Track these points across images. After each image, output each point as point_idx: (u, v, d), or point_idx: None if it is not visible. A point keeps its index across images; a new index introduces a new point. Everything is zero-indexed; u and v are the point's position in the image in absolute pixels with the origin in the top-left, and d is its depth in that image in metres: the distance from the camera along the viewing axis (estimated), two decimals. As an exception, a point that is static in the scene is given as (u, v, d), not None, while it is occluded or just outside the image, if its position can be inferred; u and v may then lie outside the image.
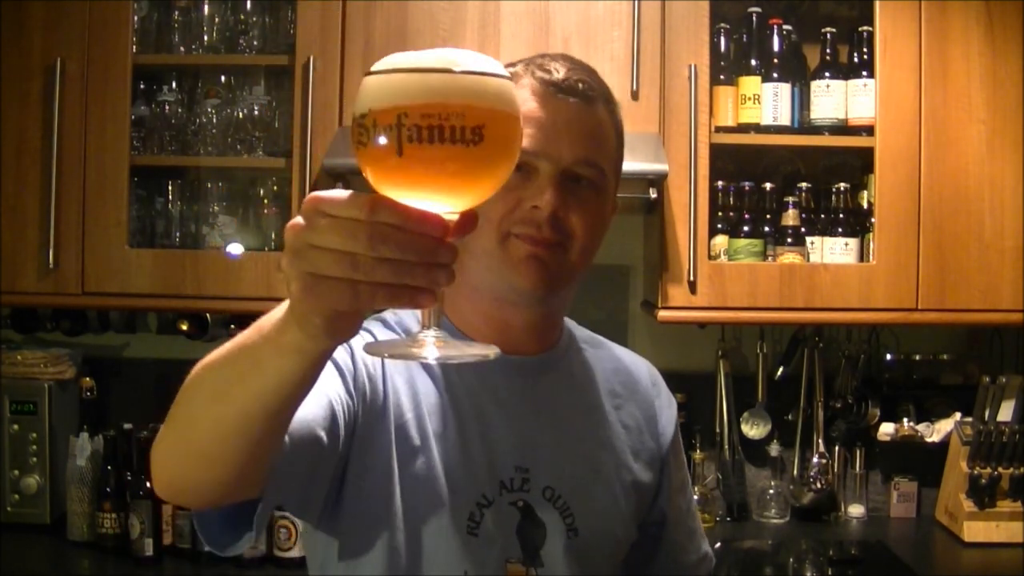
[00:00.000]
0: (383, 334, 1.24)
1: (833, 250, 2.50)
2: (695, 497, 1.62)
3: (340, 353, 1.17)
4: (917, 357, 2.82)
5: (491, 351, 0.82)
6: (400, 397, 1.21)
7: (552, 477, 1.25)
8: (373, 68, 0.75)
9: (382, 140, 0.72)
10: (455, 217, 0.75)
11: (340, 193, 0.73)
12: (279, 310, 0.83)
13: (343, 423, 1.13)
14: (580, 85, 1.20)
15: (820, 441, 2.78)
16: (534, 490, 1.24)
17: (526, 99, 1.19)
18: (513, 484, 1.23)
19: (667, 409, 1.40)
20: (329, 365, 1.12)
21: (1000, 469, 2.60)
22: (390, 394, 1.21)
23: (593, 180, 1.21)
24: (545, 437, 1.27)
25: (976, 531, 2.58)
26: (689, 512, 1.45)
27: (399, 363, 1.21)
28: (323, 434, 1.09)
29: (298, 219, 0.75)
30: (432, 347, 0.78)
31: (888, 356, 2.80)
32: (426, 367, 1.23)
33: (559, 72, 1.20)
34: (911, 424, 2.73)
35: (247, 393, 0.87)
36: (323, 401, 1.10)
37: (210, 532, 1.06)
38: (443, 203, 0.74)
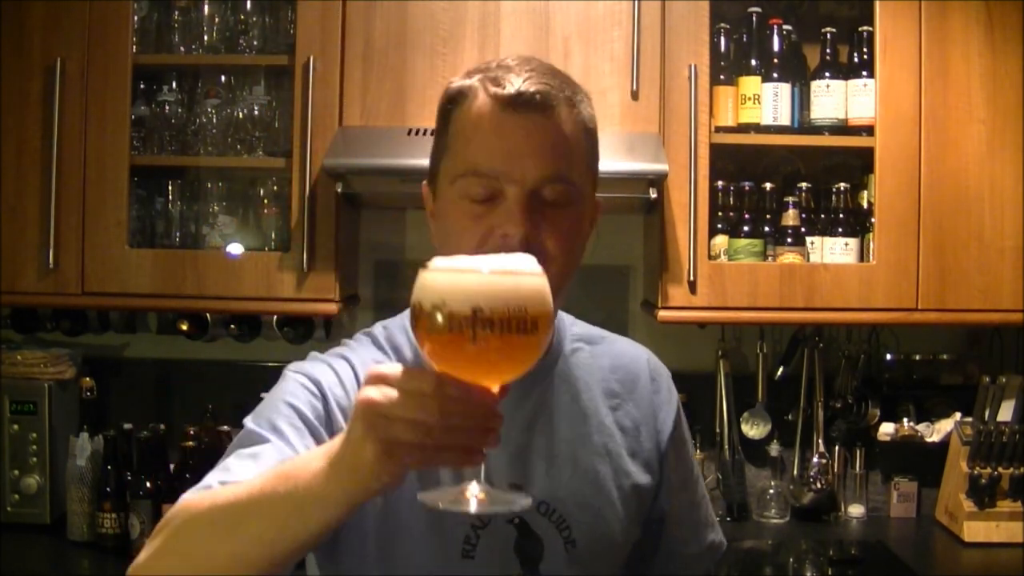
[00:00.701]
0: (344, 368, 1.24)
1: (833, 250, 2.50)
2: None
3: (310, 402, 1.18)
4: (917, 357, 2.82)
5: (527, 501, 0.98)
6: None
7: (546, 491, 1.24)
8: (434, 266, 0.90)
9: (456, 330, 0.85)
10: (497, 389, 0.91)
11: (398, 367, 0.88)
12: (310, 461, 0.94)
13: None
14: (537, 96, 1.14)
15: (820, 441, 2.78)
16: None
17: (483, 118, 1.15)
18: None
19: (666, 405, 1.37)
20: (294, 429, 1.15)
21: (1000, 469, 2.60)
22: None
23: (564, 196, 1.16)
24: (538, 452, 1.25)
25: (976, 531, 2.58)
26: (694, 505, 1.42)
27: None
28: None
29: (367, 392, 0.87)
30: (475, 500, 0.92)
31: (888, 356, 2.80)
32: None
33: (513, 84, 1.14)
34: (911, 424, 2.73)
35: (285, 537, 0.95)
36: None
37: None
38: (496, 379, 0.90)
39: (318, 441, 1.14)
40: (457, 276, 0.88)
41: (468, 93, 1.17)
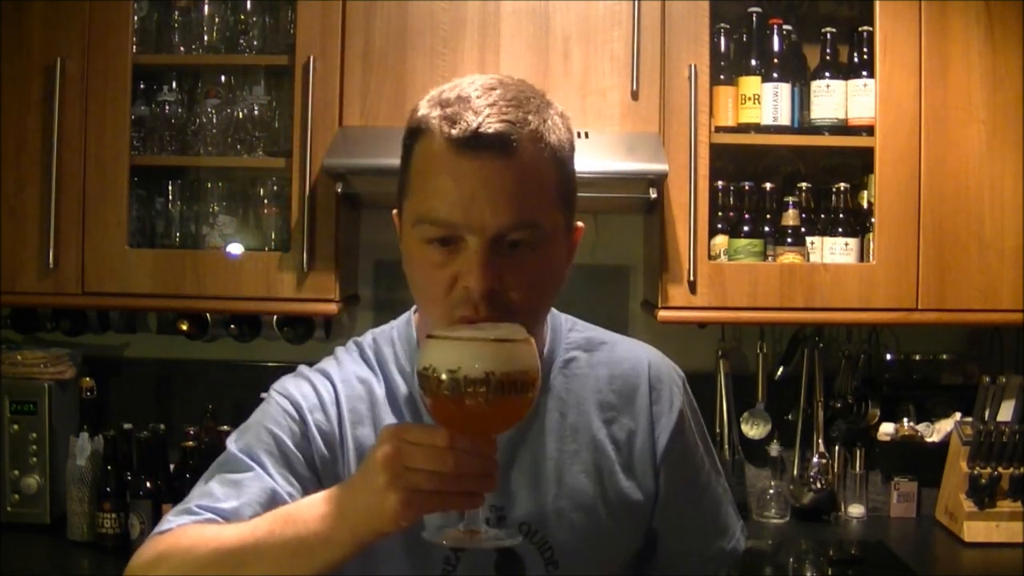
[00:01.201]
0: (326, 388, 1.25)
1: (833, 250, 2.50)
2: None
3: (290, 428, 1.20)
4: (917, 357, 2.82)
5: (517, 540, 1.15)
6: (365, 447, 1.22)
7: (528, 512, 1.22)
8: (442, 334, 1.01)
9: (470, 391, 0.97)
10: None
11: (415, 426, 1.06)
12: (313, 506, 1.03)
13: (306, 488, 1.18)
14: (496, 137, 1.06)
15: (820, 441, 2.78)
16: (510, 527, 1.21)
17: (438, 162, 1.08)
18: (488, 523, 1.20)
19: (666, 414, 1.30)
20: (272, 458, 1.18)
21: (1000, 469, 2.60)
22: (350, 448, 1.22)
23: (530, 239, 1.09)
24: (521, 470, 1.23)
25: (976, 531, 2.58)
26: (699, 513, 1.35)
27: (364, 410, 1.24)
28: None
29: (386, 447, 0.97)
30: (472, 536, 1.04)
31: (888, 356, 2.80)
32: (396, 410, 1.24)
33: (469, 124, 1.06)
34: (911, 424, 2.73)
35: None
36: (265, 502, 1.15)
37: None
38: (494, 431, 1.02)
39: (294, 469, 1.18)
40: (471, 346, 0.99)
41: (425, 130, 1.11)
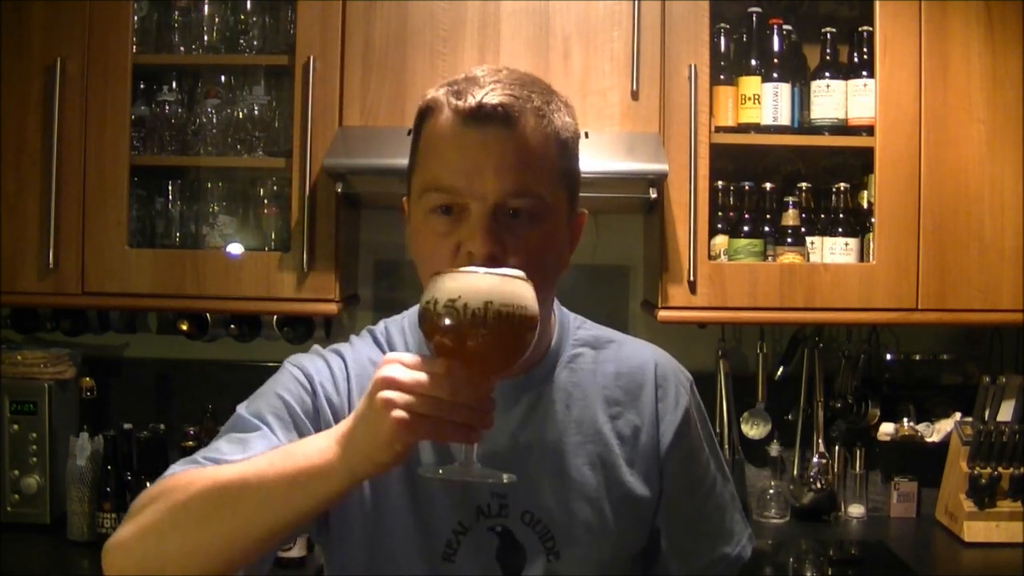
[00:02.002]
0: (338, 365, 1.28)
1: (833, 250, 2.50)
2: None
3: (300, 397, 1.23)
4: (917, 357, 2.82)
5: (512, 479, 1.08)
6: None
7: (531, 501, 1.23)
8: (444, 271, 1.02)
9: (468, 321, 0.98)
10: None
11: (415, 355, 1.00)
12: (312, 441, 1.05)
13: None
14: (498, 108, 1.11)
15: (820, 441, 2.78)
16: (512, 515, 1.23)
17: (445, 133, 1.13)
18: (491, 510, 1.22)
19: (671, 413, 1.31)
20: (280, 421, 1.20)
21: (1000, 469, 2.60)
22: None
23: (531, 209, 1.13)
24: (524, 460, 1.24)
25: (976, 531, 2.58)
26: (703, 515, 1.36)
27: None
28: None
29: (385, 371, 0.98)
30: (466, 470, 1.04)
31: (888, 356, 2.80)
32: None
33: (474, 96, 1.12)
34: (911, 424, 2.73)
35: (286, 510, 1.03)
36: None
37: None
38: (492, 369, 1.01)
39: (302, 435, 1.18)
40: (471, 276, 1.01)
41: (434, 108, 1.16)
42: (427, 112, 1.17)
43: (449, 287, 1.00)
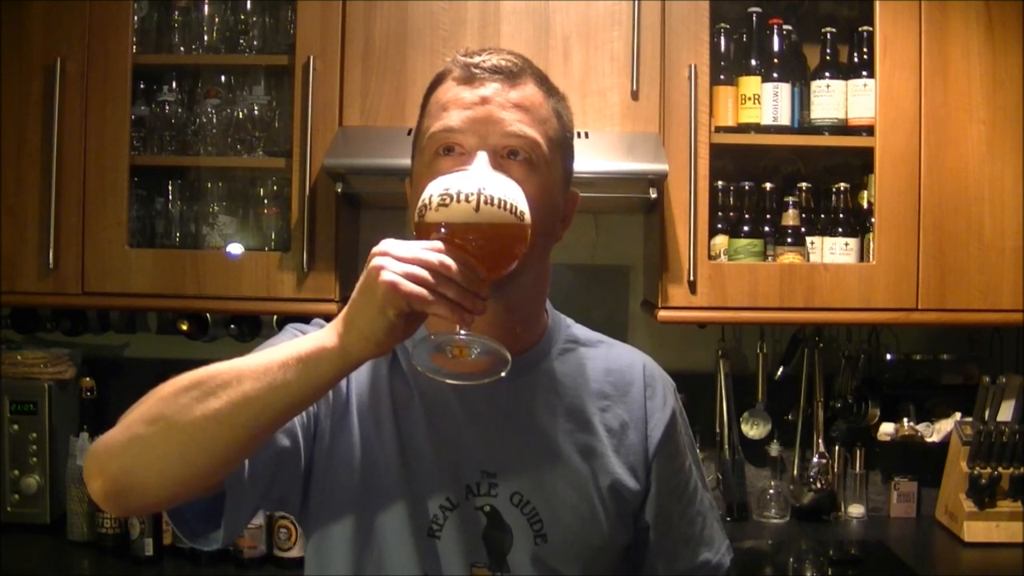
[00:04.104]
0: None
1: (833, 250, 2.50)
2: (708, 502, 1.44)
3: None
4: (917, 357, 2.82)
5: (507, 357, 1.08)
6: (364, 397, 1.25)
7: (520, 483, 1.23)
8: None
9: (462, 205, 1.03)
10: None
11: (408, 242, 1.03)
12: (313, 335, 1.07)
13: (300, 426, 1.20)
14: (502, 64, 1.21)
15: (820, 441, 2.78)
16: (502, 495, 1.23)
17: (450, 89, 1.22)
18: (479, 489, 1.23)
19: (660, 411, 1.34)
20: None
21: (1000, 469, 2.60)
22: (353, 395, 1.25)
23: (527, 152, 1.19)
24: (515, 442, 1.25)
25: (976, 531, 2.58)
26: (686, 519, 1.37)
27: (367, 364, 1.23)
28: (282, 436, 1.17)
29: (381, 245, 1.03)
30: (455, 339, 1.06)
31: (888, 356, 2.80)
32: (396, 371, 1.26)
33: (477, 60, 1.22)
34: (911, 424, 2.73)
35: (279, 394, 1.04)
36: None
37: (185, 526, 1.18)
38: (483, 264, 1.05)
39: None
40: (464, 172, 1.08)
41: (443, 74, 1.26)
42: (436, 80, 1.26)
43: (443, 183, 1.06)
